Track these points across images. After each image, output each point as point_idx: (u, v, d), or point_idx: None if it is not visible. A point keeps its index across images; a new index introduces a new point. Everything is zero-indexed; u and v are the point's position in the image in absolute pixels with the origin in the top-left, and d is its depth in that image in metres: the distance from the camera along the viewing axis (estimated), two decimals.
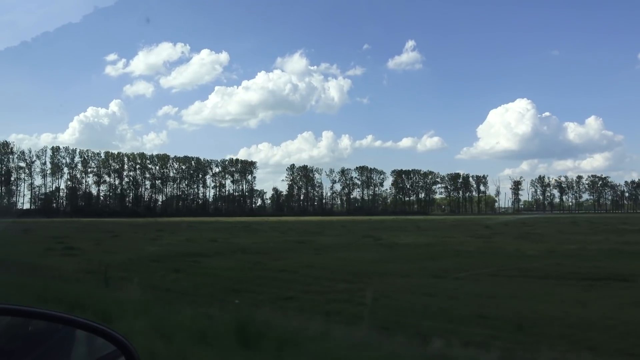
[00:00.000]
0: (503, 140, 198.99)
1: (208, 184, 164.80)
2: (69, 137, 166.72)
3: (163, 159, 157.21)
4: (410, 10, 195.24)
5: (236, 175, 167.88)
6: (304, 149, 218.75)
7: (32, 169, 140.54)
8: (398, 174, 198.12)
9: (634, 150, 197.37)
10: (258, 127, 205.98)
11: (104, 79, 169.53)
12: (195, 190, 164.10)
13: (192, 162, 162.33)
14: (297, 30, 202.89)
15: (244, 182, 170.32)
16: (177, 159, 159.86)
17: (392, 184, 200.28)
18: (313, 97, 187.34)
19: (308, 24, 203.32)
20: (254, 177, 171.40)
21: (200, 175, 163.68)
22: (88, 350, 1.83)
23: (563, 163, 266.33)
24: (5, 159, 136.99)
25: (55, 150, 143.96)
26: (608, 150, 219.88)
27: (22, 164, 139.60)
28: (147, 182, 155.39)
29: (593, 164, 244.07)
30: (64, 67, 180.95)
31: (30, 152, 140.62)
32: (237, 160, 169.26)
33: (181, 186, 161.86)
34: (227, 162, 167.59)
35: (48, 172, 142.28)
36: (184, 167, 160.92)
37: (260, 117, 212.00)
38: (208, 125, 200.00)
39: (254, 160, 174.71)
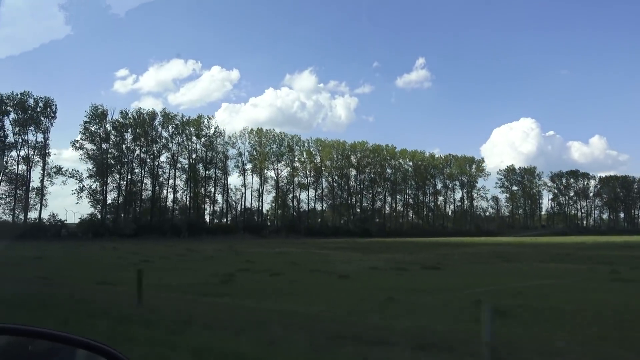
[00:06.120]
0: (507, 159, 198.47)
1: (428, 190, 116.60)
2: (72, 153, 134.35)
3: (390, 152, 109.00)
4: (422, 27, 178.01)
5: (455, 180, 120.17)
6: None
7: (227, 165, 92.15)
8: (607, 181, 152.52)
9: (639, 170, 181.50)
10: None
11: (112, 95, 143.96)
12: (422, 198, 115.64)
13: (423, 157, 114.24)
14: (307, 47, 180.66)
15: (465, 189, 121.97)
16: (393, 152, 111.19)
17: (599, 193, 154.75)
18: (320, 115, 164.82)
19: (319, 41, 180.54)
20: (475, 183, 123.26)
21: (429, 179, 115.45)
22: None
23: None
24: (208, 142, 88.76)
25: (258, 134, 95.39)
26: (613, 170, 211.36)
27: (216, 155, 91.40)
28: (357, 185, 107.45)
29: None
30: (73, 81, 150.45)
31: (222, 133, 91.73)
32: (453, 157, 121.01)
33: (407, 193, 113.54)
34: (443, 159, 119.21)
35: (249, 167, 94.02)
36: (410, 162, 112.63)
37: None
38: None
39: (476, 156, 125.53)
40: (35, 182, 73.75)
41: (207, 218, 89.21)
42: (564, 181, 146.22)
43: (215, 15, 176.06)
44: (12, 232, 65.55)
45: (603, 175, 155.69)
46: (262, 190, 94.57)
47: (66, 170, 75.87)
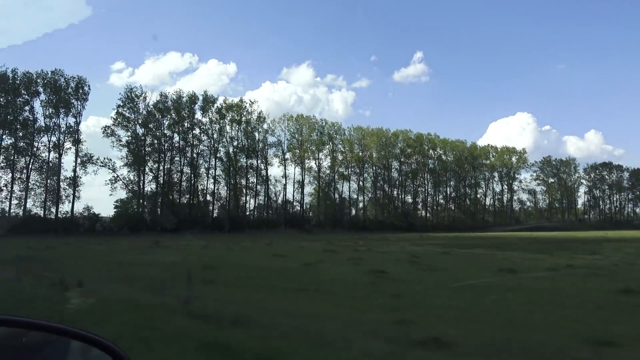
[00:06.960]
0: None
1: (471, 182, 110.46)
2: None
3: (432, 142, 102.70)
4: (420, 21, 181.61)
5: (495, 171, 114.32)
6: None
7: (268, 154, 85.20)
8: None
9: (633, 164, 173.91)
10: None
11: (108, 88, 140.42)
12: (463, 190, 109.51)
13: (464, 148, 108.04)
14: (305, 41, 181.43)
15: (504, 182, 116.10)
16: (435, 142, 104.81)
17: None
18: (317, 109, 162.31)
19: (317, 34, 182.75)
20: (517, 174, 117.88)
21: (470, 170, 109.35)
22: None
23: None
24: (250, 129, 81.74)
25: (298, 121, 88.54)
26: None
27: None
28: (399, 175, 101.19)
29: None
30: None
31: (265, 120, 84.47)
32: (492, 147, 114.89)
33: (449, 185, 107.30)
34: (481, 149, 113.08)
35: (288, 157, 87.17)
36: (451, 154, 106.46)
37: None
38: None
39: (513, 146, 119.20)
40: (67, 172, 66.69)
41: (248, 211, 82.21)
42: (597, 172, 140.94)
43: (212, 8, 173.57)
44: (46, 226, 58.42)
45: (636, 167, 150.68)
46: (304, 181, 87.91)
47: (97, 159, 68.65)
